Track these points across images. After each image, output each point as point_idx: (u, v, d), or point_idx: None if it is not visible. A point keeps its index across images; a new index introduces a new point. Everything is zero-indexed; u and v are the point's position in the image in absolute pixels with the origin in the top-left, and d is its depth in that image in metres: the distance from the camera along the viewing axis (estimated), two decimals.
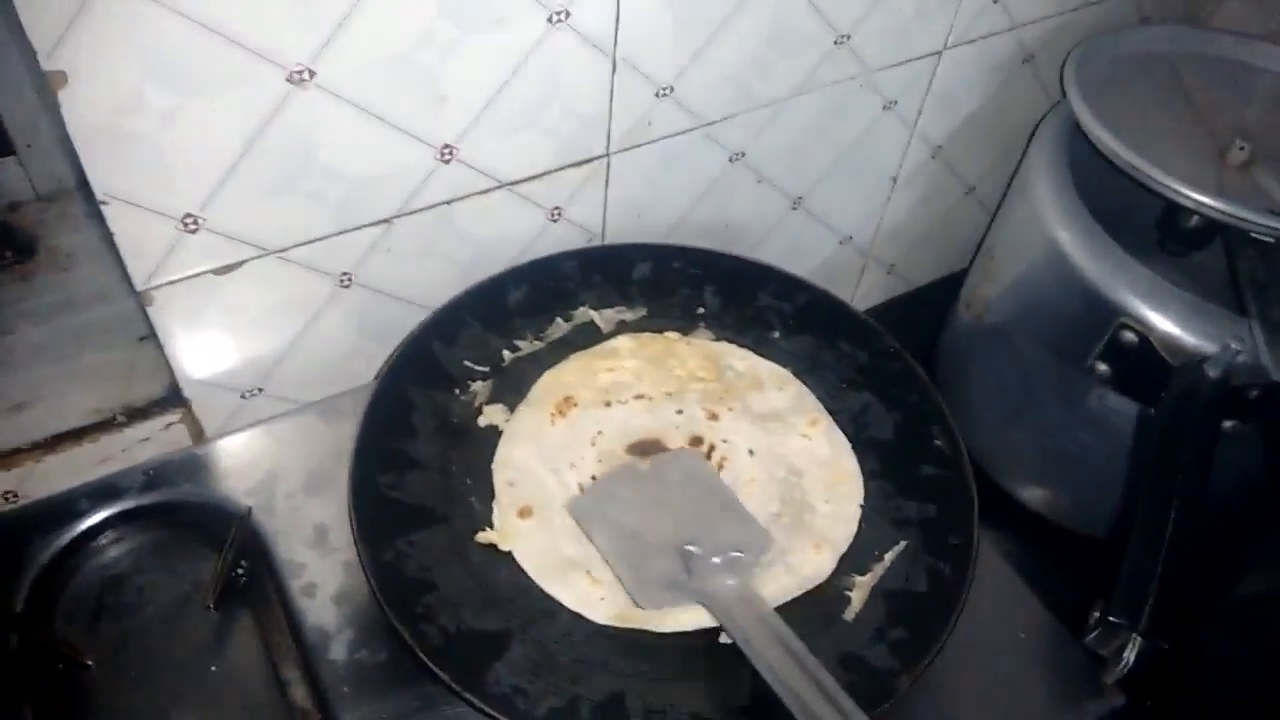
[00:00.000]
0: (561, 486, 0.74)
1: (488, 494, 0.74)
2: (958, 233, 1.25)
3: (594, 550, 0.70)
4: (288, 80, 0.65)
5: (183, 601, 0.73)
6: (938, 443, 0.76)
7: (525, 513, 0.72)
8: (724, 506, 0.73)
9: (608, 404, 0.79)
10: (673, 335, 0.84)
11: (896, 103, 1.00)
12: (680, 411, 0.78)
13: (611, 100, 0.81)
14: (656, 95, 0.83)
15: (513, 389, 0.80)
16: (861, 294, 1.23)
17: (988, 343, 1.06)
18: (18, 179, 0.91)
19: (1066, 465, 1.01)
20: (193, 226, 0.68)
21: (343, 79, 0.67)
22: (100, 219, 0.89)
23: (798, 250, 1.09)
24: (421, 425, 0.76)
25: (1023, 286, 1.00)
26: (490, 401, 0.79)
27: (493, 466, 0.75)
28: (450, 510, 0.72)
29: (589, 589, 0.68)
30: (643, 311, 0.86)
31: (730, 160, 0.93)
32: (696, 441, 0.77)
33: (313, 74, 0.65)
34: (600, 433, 0.77)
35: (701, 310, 0.86)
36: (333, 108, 0.68)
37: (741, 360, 0.83)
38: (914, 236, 1.20)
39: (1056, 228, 0.93)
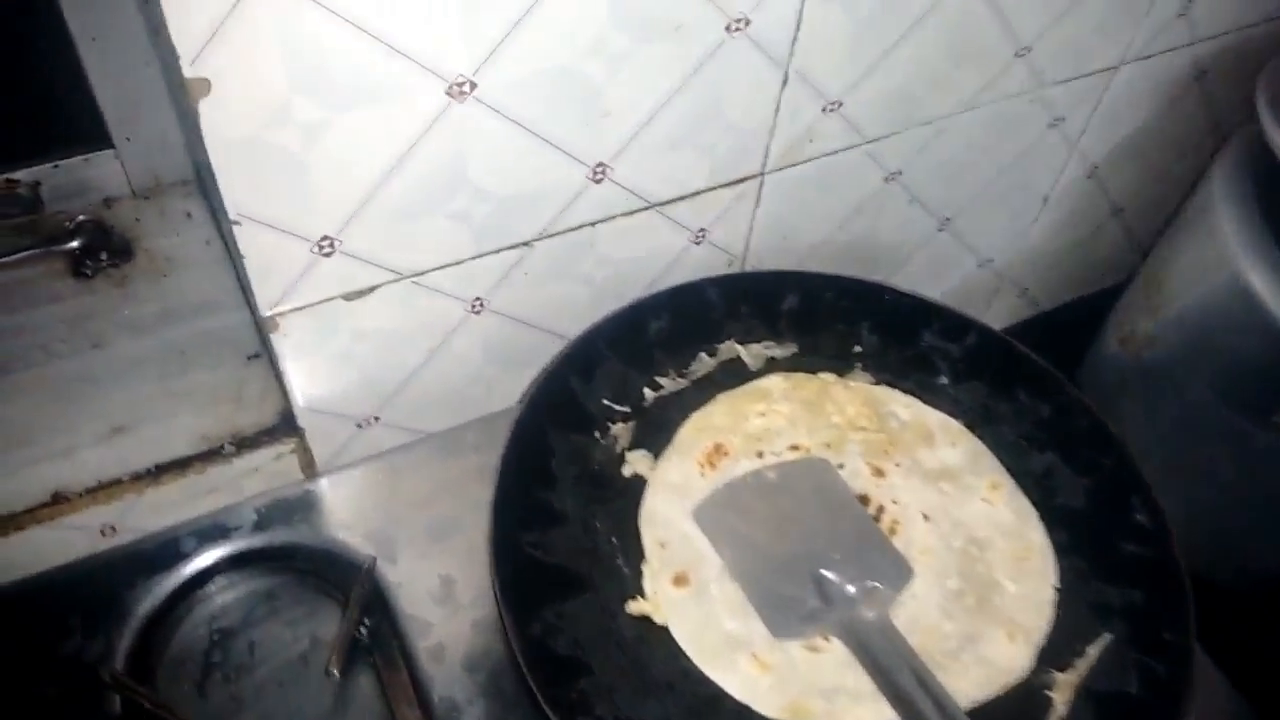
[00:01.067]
0: (713, 551, 0.67)
1: (636, 554, 0.66)
2: (1096, 255, 1.16)
3: (759, 626, 0.63)
4: (447, 93, 0.57)
5: (300, 661, 0.66)
6: (1138, 517, 0.68)
7: (680, 580, 0.65)
8: (859, 528, 0.67)
9: (760, 454, 0.71)
10: (828, 377, 0.76)
11: (1064, 119, 0.91)
12: (841, 466, 0.71)
13: (776, 115, 0.72)
14: (823, 110, 0.74)
15: (656, 432, 0.72)
16: (990, 318, 1.14)
17: (1146, 383, 0.98)
18: (114, 174, 0.84)
19: (1234, 526, 0.92)
20: (328, 250, 0.61)
21: (504, 92, 0.59)
22: (205, 223, 0.83)
23: (935, 273, 1.01)
24: (561, 473, 0.69)
25: (1196, 325, 0.91)
26: (632, 447, 0.71)
27: (640, 523, 0.68)
28: (598, 574, 0.65)
29: (756, 675, 0.61)
30: (793, 348, 0.78)
31: (886, 180, 0.85)
32: (863, 501, 0.69)
33: (474, 86, 0.58)
34: None
35: (858, 349, 0.78)
36: (490, 123, 0.60)
37: (906, 408, 0.75)
38: (1053, 258, 1.11)
39: (1244, 266, 0.84)
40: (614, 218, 0.72)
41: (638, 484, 0.70)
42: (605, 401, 0.73)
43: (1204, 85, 0.99)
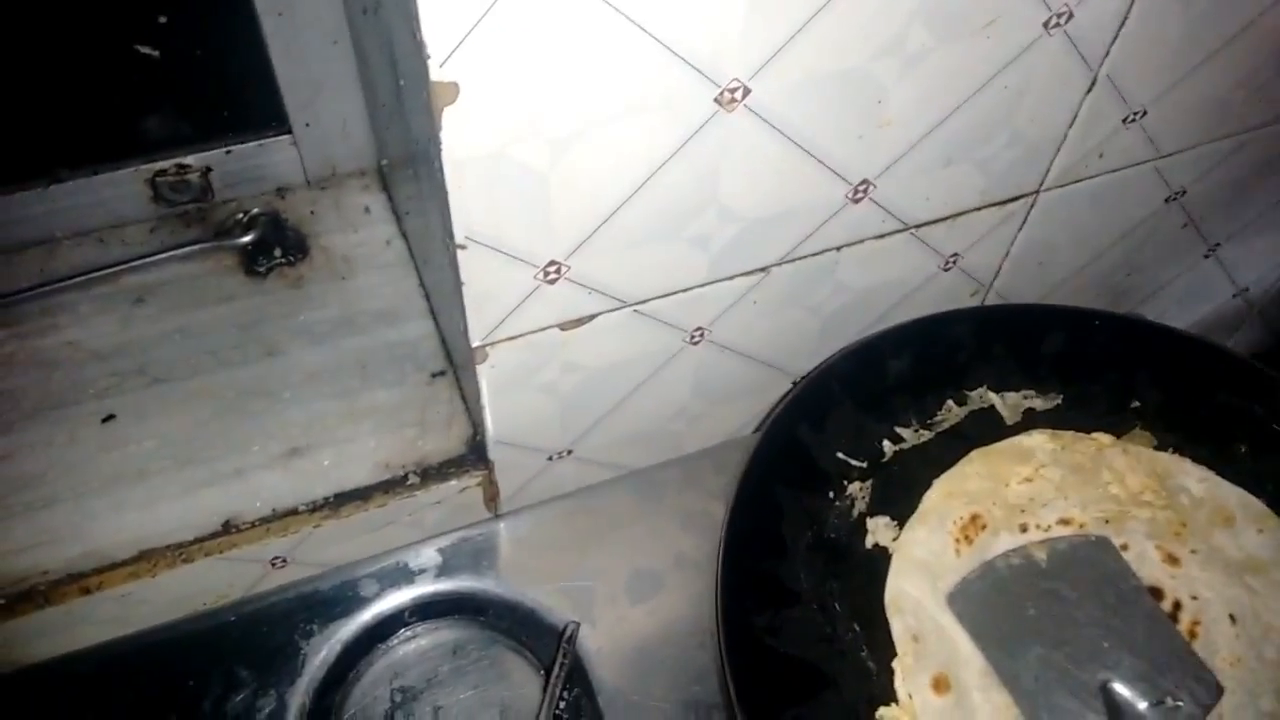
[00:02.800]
0: (976, 649, 0.56)
1: (884, 646, 0.57)
2: None
3: None
4: (716, 99, 0.47)
5: None
6: None
7: (940, 685, 0.55)
8: (1153, 629, 0.56)
9: (1024, 528, 0.60)
10: (1104, 438, 0.65)
11: None
12: (1125, 547, 0.59)
13: (1071, 125, 0.61)
14: (1124, 120, 0.62)
15: (899, 495, 0.62)
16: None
17: None
18: (289, 161, 0.77)
19: None
20: (553, 276, 0.52)
21: (778, 99, 0.49)
22: (385, 218, 0.76)
23: (1186, 302, 0.87)
24: (793, 540, 0.59)
25: None
26: (872, 511, 0.61)
27: (886, 607, 0.58)
28: (840, 670, 0.56)
29: None
30: (1057, 399, 0.66)
31: (1166, 200, 0.72)
32: (1154, 594, 0.57)
33: (747, 92, 0.48)
34: None
35: (1136, 404, 0.66)
36: (756, 134, 0.50)
37: (1200, 482, 0.63)
38: None
39: None
40: (863, 240, 0.62)
41: (881, 557, 0.60)
42: (840, 455, 0.63)
43: None
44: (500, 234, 0.49)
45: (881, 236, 0.62)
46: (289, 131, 0.75)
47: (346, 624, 0.60)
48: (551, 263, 0.52)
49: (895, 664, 0.55)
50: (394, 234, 0.75)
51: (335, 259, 0.75)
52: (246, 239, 0.74)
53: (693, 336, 0.63)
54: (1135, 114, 0.62)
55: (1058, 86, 0.57)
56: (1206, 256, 0.82)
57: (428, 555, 0.63)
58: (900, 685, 0.55)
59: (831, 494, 0.61)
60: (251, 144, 0.75)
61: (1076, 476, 0.62)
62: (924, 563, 0.59)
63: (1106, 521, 0.60)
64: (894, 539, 0.60)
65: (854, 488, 0.62)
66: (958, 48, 0.51)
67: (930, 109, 0.54)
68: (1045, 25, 0.52)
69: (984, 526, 0.60)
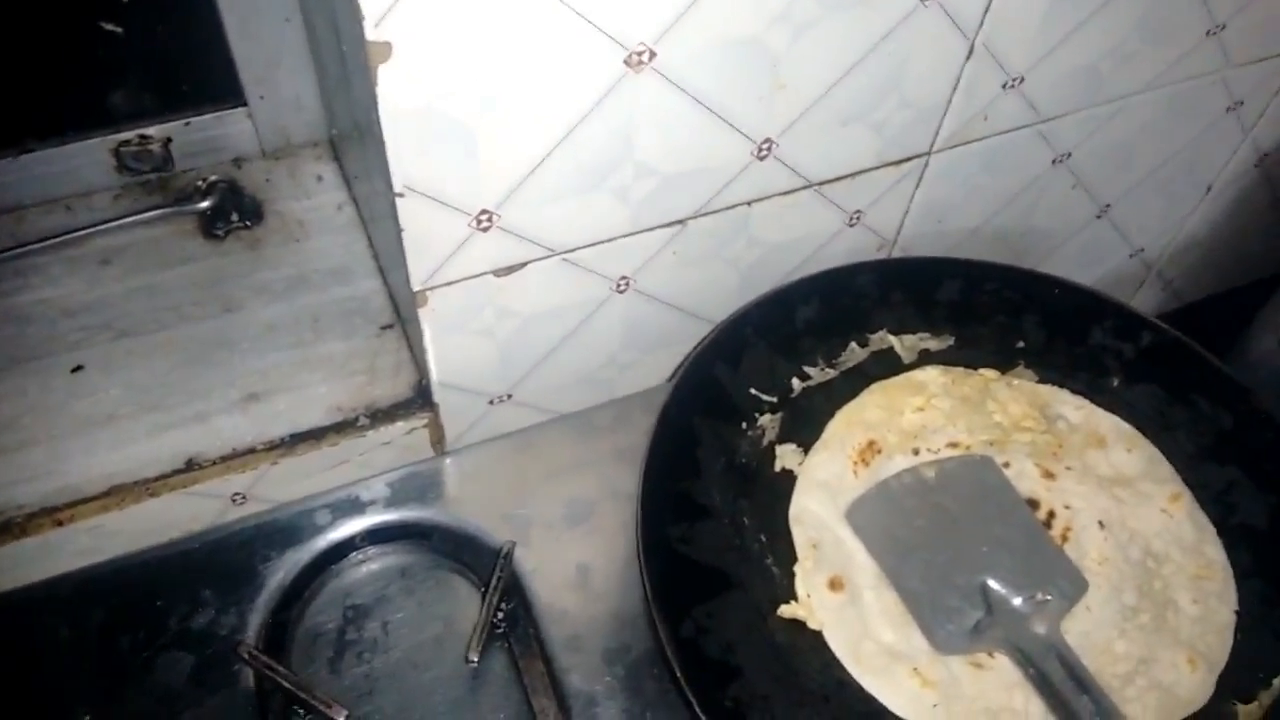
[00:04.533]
0: (870, 555, 0.63)
1: (786, 554, 0.63)
2: (1249, 248, 1.08)
3: (920, 640, 0.59)
4: (625, 62, 0.53)
5: (435, 644, 0.64)
6: None
7: (835, 584, 0.61)
8: (1028, 534, 0.63)
9: (916, 451, 0.67)
10: (990, 373, 0.72)
11: (1242, 104, 0.84)
12: (1007, 466, 0.66)
13: (954, 91, 0.67)
14: (1004, 86, 0.69)
15: (805, 425, 0.69)
16: None
17: None
18: (245, 133, 0.82)
19: None
20: (486, 224, 0.58)
21: (682, 62, 0.55)
22: (337, 187, 0.81)
23: (1085, 262, 0.95)
24: (708, 464, 0.66)
25: None
26: (781, 440, 0.68)
27: (790, 521, 0.64)
28: (747, 573, 0.62)
29: (919, 691, 0.57)
30: (950, 340, 0.73)
31: (1054, 162, 0.79)
32: (1031, 505, 0.65)
33: (653, 55, 0.54)
34: None
35: (1021, 344, 0.73)
36: (665, 95, 0.56)
37: (1076, 410, 0.70)
38: (1205, 249, 1.04)
39: None
40: (771, 197, 0.68)
41: (787, 480, 0.66)
42: (753, 391, 0.69)
43: None
44: (435, 183, 0.54)
45: (788, 193, 0.69)
46: (245, 104, 0.80)
47: (302, 550, 0.66)
48: (483, 211, 0.58)
49: (796, 568, 0.62)
50: (345, 199, 0.81)
51: (290, 223, 0.80)
52: (205, 204, 0.79)
53: (619, 285, 0.69)
54: (1014, 80, 0.69)
55: (938, 54, 0.64)
56: (1099, 217, 0.89)
57: (378, 488, 0.69)
58: (800, 585, 0.61)
59: (744, 425, 0.68)
60: (209, 116, 0.80)
61: (964, 406, 0.69)
62: (825, 483, 0.66)
63: (991, 444, 0.67)
64: (799, 463, 0.67)
65: (764, 420, 0.68)
66: (842, 17, 0.58)
67: (821, 73, 0.61)
68: None
69: (879, 451, 0.67)
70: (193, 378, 0.71)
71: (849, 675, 0.58)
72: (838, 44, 0.59)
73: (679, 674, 0.54)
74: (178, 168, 0.82)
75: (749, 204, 0.68)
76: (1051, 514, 0.64)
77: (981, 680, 0.58)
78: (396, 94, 0.49)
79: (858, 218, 0.74)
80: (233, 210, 0.80)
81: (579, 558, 0.67)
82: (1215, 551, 0.64)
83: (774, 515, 0.65)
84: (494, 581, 0.63)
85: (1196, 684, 0.58)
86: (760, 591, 0.61)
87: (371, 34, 0.46)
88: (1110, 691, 0.57)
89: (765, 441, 0.68)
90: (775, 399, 0.69)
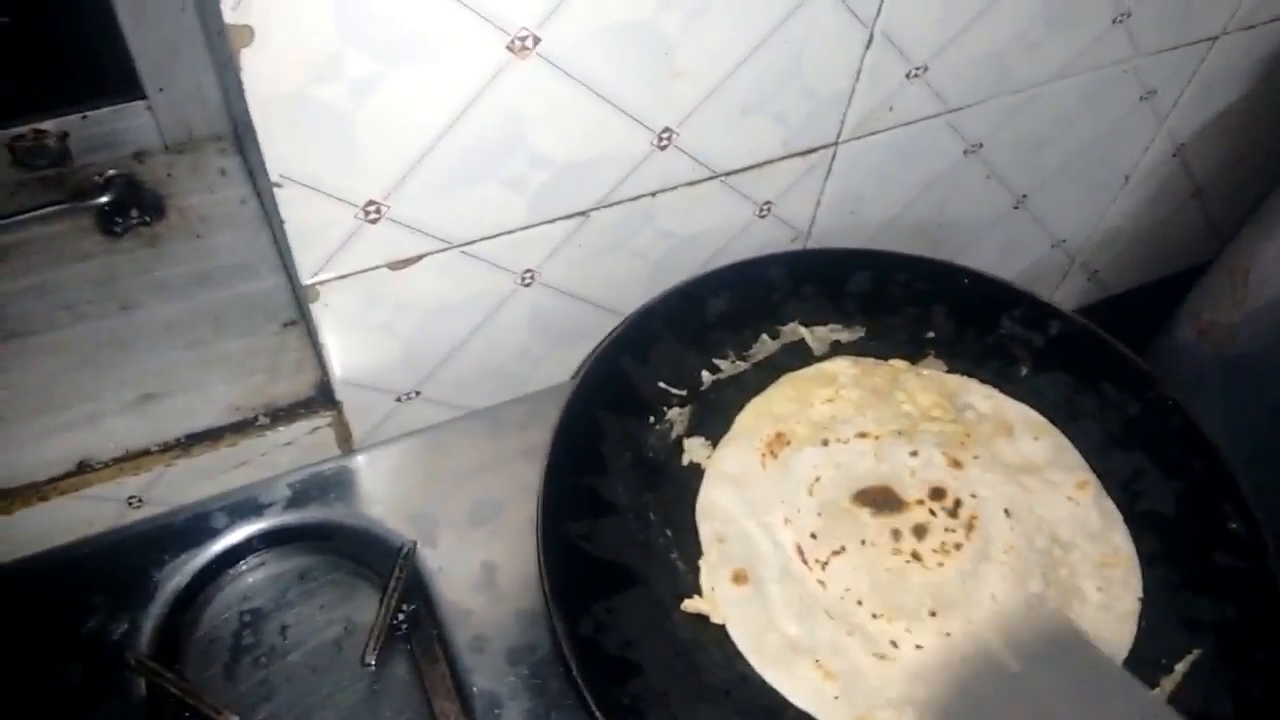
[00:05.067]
0: (776, 548, 0.62)
1: (691, 549, 0.62)
2: (1171, 238, 1.09)
3: (823, 632, 0.59)
4: (508, 48, 0.52)
5: (334, 647, 0.63)
6: (1232, 525, 0.63)
7: (739, 578, 0.61)
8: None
9: (825, 442, 0.66)
10: (899, 364, 0.71)
11: (1155, 93, 0.85)
12: (915, 454, 0.65)
13: (856, 80, 0.67)
14: (908, 76, 0.69)
15: (714, 418, 0.68)
16: (1056, 301, 1.08)
17: (1227, 376, 0.92)
18: (146, 126, 0.80)
19: None
20: (374, 216, 0.57)
21: (569, 49, 0.54)
22: (240, 181, 0.79)
23: (1006, 254, 0.95)
24: (613, 459, 0.65)
25: None
26: (689, 433, 0.67)
27: (696, 515, 0.63)
28: (650, 569, 0.61)
29: (821, 684, 0.57)
30: (861, 332, 0.73)
31: (965, 153, 0.79)
32: (938, 494, 0.64)
33: (537, 41, 0.53)
34: (818, 479, 0.65)
35: (931, 334, 0.73)
36: (553, 82, 0.55)
37: (985, 399, 0.70)
38: (1127, 240, 1.05)
39: None
40: (676, 187, 0.67)
41: (694, 473, 0.65)
42: (661, 384, 0.68)
43: None
44: (314, 173, 0.53)
45: (693, 184, 0.68)
46: (144, 97, 0.78)
47: (197, 554, 0.64)
48: (370, 202, 0.56)
49: (701, 562, 0.61)
50: (249, 194, 0.79)
51: (192, 218, 0.78)
52: (102, 200, 0.77)
53: (523, 278, 0.68)
54: (917, 70, 0.69)
55: (836, 42, 0.63)
56: (1016, 208, 0.90)
57: (278, 490, 0.67)
58: (704, 579, 0.60)
59: (652, 419, 0.67)
60: (106, 109, 0.78)
61: (874, 397, 0.69)
62: (733, 476, 0.65)
63: (899, 434, 0.67)
64: (707, 457, 0.66)
65: (673, 413, 0.67)
66: (734, 3, 0.57)
67: (717, 61, 0.60)
68: None
69: (788, 443, 0.66)
70: (86, 378, 0.69)
71: (751, 669, 0.57)
72: (731, 31, 0.59)
73: (575, 672, 0.53)
74: (76, 162, 0.79)
75: (653, 195, 0.67)
76: (958, 502, 0.64)
77: (885, 671, 0.58)
78: (263, 79, 0.48)
79: (768, 209, 0.74)
80: (132, 206, 0.77)
81: (485, 557, 0.66)
82: (1121, 539, 0.64)
83: (680, 509, 0.64)
84: (393, 583, 0.61)
85: None
86: (664, 587, 0.60)
87: (230, 16, 0.45)
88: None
89: (673, 435, 0.67)
90: (684, 392, 0.68)
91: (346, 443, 0.72)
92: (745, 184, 0.70)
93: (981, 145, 0.79)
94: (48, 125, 0.77)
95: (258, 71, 0.47)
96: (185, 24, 0.74)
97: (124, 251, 0.76)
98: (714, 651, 0.58)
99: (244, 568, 0.65)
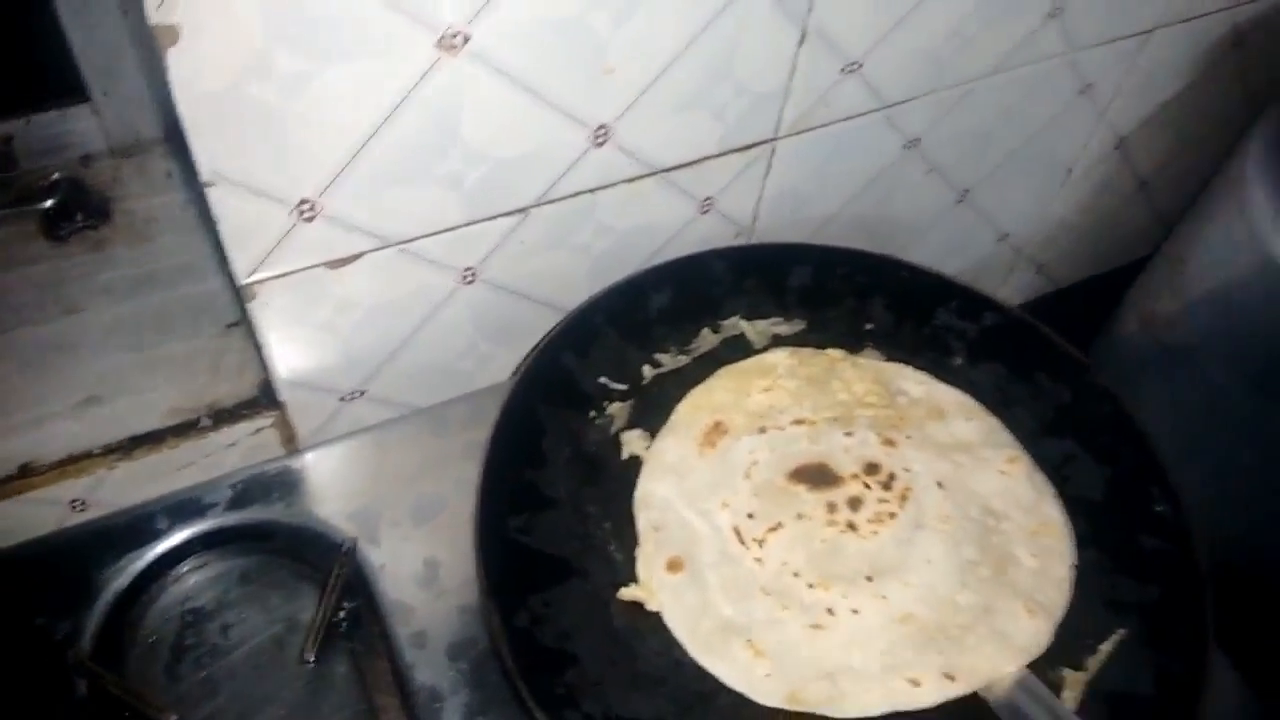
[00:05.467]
0: (713, 532, 0.63)
1: (630, 540, 0.63)
2: (1117, 231, 1.11)
3: (758, 610, 0.59)
4: (437, 45, 0.53)
5: (275, 645, 0.63)
6: (1158, 509, 0.64)
7: (675, 565, 0.61)
8: None
9: (762, 430, 0.67)
10: (836, 353, 0.72)
11: (1092, 86, 0.87)
12: (850, 434, 0.66)
13: (792, 77, 0.68)
14: (842, 71, 0.70)
15: (654, 412, 0.69)
16: (1005, 295, 1.10)
17: (1167, 364, 0.94)
18: (91, 130, 0.80)
19: (1255, 512, 0.89)
20: (309, 214, 0.57)
21: (499, 46, 0.55)
22: (186, 184, 0.79)
23: (951, 248, 0.97)
24: (553, 454, 0.65)
25: (1224, 307, 0.87)
26: (629, 426, 0.68)
27: (634, 505, 0.64)
28: (588, 561, 0.62)
29: (752, 662, 0.57)
30: (801, 324, 0.74)
31: (904, 147, 0.80)
32: (872, 469, 0.65)
33: (467, 39, 0.53)
34: (755, 462, 0.65)
35: (870, 326, 0.74)
36: (485, 80, 0.56)
37: (918, 385, 0.71)
38: (1073, 233, 1.07)
39: (1275, 244, 0.80)
40: (616, 184, 0.68)
41: (633, 466, 0.66)
42: (601, 379, 0.69)
43: (1241, 53, 0.94)
44: (246, 171, 0.53)
45: (633, 180, 0.69)
46: (88, 100, 0.78)
47: (139, 555, 0.64)
48: (304, 200, 0.57)
49: (637, 551, 0.62)
50: (194, 196, 0.79)
51: (137, 222, 0.78)
52: (48, 204, 0.77)
53: (465, 276, 0.68)
54: (851, 65, 0.70)
55: (770, 39, 0.64)
56: (959, 203, 0.91)
57: (221, 491, 0.67)
58: (640, 568, 0.61)
59: (592, 413, 0.67)
60: (51, 114, 0.78)
61: (811, 386, 0.70)
62: (672, 466, 0.66)
63: (835, 420, 0.68)
64: (645, 448, 0.67)
65: (614, 408, 0.68)
66: (663, 1, 0.58)
67: (649, 59, 0.61)
68: None
69: (726, 432, 0.67)
70: (29, 382, 0.69)
71: (686, 656, 0.58)
72: (662, 28, 0.59)
73: (509, 662, 0.54)
74: (21, 166, 0.79)
75: (593, 191, 0.68)
76: (892, 476, 0.64)
77: (819, 641, 0.58)
78: (191, 78, 0.48)
79: (709, 205, 0.75)
80: (78, 209, 0.78)
81: (428, 554, 0.66)
82: (1053, 510, 0.65)
83: (619, 503, 0.64)
84: (332, 580, 0.62)
85: (1033, 631, 0.59)
86: (601, 578, 0.61)
87: (155, 17, 0.45)
88: (952, 642, 0.58)
89: (614, 429, 0.67)
90: (626, 386, 0.69)
91: (291, 443, 0.72)
92: (685, 180, 0.71)
93: (920, 140, 0.80)
94: None
95: (186, 71, 0.48)
96: (128, 27, 0.74)
97: (69, 255, 0.76)
98: (650, 640, 0.59)
99: (185, 568, 0.65)
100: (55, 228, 0.77)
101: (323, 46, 0.50)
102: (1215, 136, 1.02)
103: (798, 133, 0.72)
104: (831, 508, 0.62)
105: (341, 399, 0.71)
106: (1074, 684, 0.59)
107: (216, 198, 0.54)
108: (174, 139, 0.82)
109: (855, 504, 0.63)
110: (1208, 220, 0.91)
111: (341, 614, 0.62)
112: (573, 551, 0.61)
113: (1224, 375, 0.87)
